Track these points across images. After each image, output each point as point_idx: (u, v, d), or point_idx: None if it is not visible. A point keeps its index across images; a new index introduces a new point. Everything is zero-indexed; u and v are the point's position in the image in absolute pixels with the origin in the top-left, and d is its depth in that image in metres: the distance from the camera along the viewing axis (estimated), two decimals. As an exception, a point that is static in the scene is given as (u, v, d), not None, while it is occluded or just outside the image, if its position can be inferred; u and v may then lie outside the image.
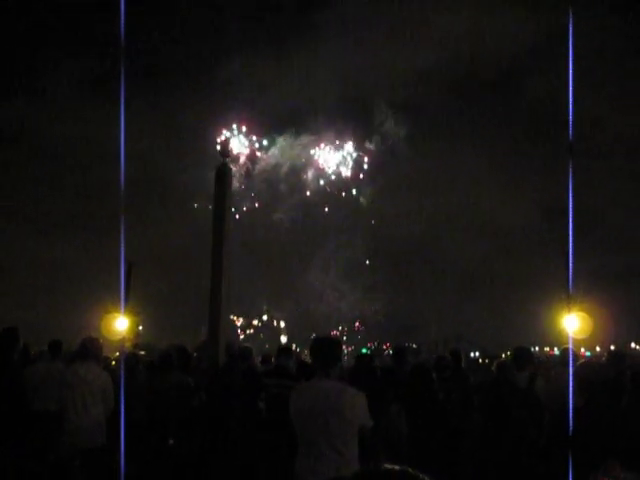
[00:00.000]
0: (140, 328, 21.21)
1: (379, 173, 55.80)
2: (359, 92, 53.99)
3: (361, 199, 56.42)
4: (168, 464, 7.19)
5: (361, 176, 55.75)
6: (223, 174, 12.70)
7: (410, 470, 1.49)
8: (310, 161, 55.72)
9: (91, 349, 7.38)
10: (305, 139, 55.35)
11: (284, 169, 54.95)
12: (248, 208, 51.32)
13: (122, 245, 3.63)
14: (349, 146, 55.63)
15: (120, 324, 12.50)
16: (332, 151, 55.64)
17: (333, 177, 56.00)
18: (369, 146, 55.96)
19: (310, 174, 56.07)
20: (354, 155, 55.83)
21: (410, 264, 53.28)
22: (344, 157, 55.73)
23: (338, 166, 55.86)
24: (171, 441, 7.91)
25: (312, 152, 55.22)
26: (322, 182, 55.61)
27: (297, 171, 55.49)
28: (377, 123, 55.42)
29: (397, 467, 1.49)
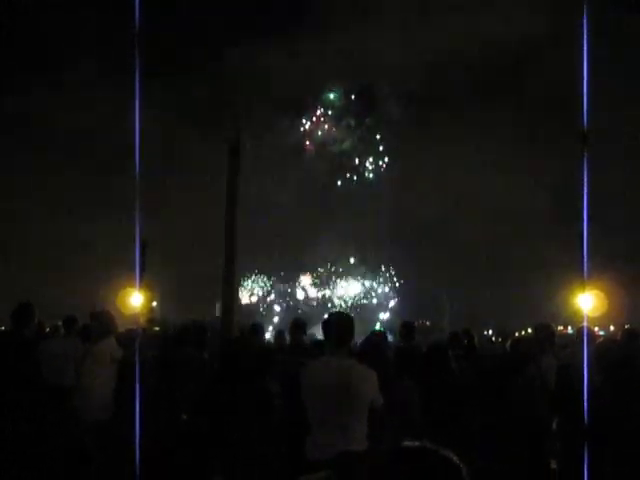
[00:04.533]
0: (154, 304, 21.32)
1: (383, 151, 55.99)
2: (364, 76, 53.79)
3: (366, 174, 56.48)
4: (181, 439, 7.26)
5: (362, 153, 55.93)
6: (236, 148, 12.69)
7: (430, 446, 1.51)
8: (312, 137, 56.01)
9: (97, 324, 7.44)
10: (308, 114, 55.68)
11: (288, 146, 55.18)
12: (254, 188, 51.45)
13: (137, 223, 3.65)
14: (350, 121, 55.79)
15: (135, 299, 12.61)
16: (334, 127, 55.93)
17: (336, 152, 56.22)
18: (370, 123, 55.94)
19: (313, 149, 56.30)
20: (356, 131, 55.97)
21: (421, 242, 53.15)
22: (346, 132, 55.98)
23: (341, 141, 56.06)
24: (184, 416, 7.98)
25: (315, 128, 55.55)
26: (324, 153, 55.90)
27: (300, 147, 55.75)
28: (378, 102, 55.36)
29: (417, 444, 1.51)
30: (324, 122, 56.05)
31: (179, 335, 9.07)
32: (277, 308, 57.48)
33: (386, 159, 56.15)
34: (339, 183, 56.22)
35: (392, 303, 57.09)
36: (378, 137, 56.01)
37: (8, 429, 6.33)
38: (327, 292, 57.64)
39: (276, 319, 54.13)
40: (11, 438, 6.31)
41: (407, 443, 1.53)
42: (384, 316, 55.98)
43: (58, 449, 6.99)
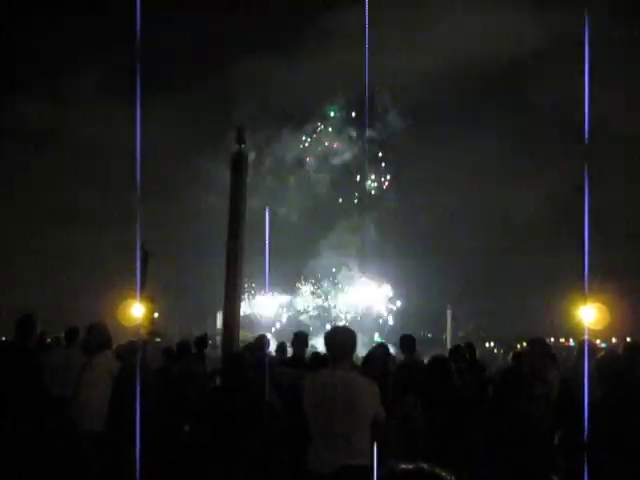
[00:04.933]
0: (156, 315, 21.30)
1: (383, 161, 56.15)
2: (364, 86, 54.10)
3: (367, 184, 56.58)
4: (182, 451, 7.25)
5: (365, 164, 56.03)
6: (239, 161, 12.68)
7: (425, 466, 1.52)
8: (313, 147, 56.24)
9: (94, 337, 7.46)
10: (309, 128, 55.96)
11: (289, 158, 55.44)
12: (255, 199, 51.59)
13: (138, 234, 3.66)
14: (352, 132, 55.98)
15: (136, 311, 12.59)
16: (335, 137, 56.15)
17: (337, 162, 56.38)
18: (371, 134, 56.10)
19: (314, 159, 56.52)
20: (357, 142, 56.12)
21: (422, 254, 53.21)
22: (347, 142, 56.13)
23: (342, 152, 56.22)
24: (186, 428, 7.97)
25: (315, 138, 55.77)
26: (325, 166, 56.06)
27: (301, 158, 55.97)
28: (379, 112, 55.53)
29: (411, 466, 1.53)
30: (325, 136, 56.28)
31: (180, 348, 9.08)
32: (279, 316, 57.49)
33: (388, 176, 56.26)
34: (340, 200, 56.38)
35: (395, 308, 56.97)
36: (380, 154, 56.15)
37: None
38: (328, 303, 57.62)
39: (276, 329, 54.11)
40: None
41: (403, 465, 1.54)
42: (386, 324, 55.88)
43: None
